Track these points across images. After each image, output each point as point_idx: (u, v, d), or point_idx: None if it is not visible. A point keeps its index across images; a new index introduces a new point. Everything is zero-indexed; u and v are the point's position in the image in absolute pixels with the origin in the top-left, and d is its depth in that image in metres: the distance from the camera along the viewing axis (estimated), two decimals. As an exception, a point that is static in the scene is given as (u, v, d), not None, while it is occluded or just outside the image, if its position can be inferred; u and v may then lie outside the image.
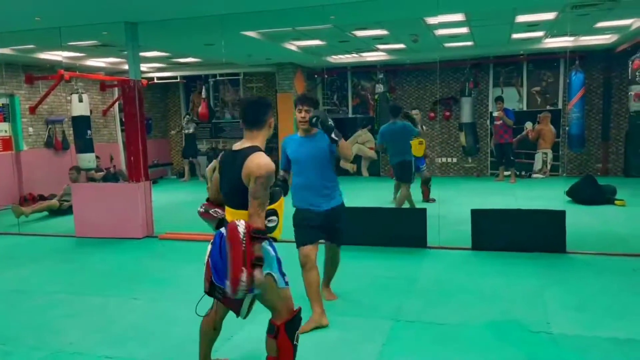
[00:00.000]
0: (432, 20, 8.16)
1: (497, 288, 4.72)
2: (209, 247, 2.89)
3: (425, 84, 13.76)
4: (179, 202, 10.49)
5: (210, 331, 3.12)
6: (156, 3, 6.27)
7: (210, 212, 3.13)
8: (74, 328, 4.15)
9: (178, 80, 14.35)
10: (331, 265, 4.44)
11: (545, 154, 12.68)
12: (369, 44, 10.48)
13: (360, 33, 9.18)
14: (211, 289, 2.89)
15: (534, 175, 12.72)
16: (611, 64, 12.26)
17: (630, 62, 9.14)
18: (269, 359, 2.97)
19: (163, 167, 15.54)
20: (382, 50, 11.61)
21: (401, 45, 10.80)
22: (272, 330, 2.93)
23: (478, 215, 6.03)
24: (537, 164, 12.80)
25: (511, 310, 4.17)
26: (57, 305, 4.68)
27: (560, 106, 12.77)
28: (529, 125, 12.88)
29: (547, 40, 10.98)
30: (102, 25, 7.37)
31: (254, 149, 2.82)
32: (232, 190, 2.85)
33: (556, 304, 4.27)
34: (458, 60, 12.91)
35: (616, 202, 8.61)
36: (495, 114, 11.78)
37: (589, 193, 8.78)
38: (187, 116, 14.84)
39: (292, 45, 10.15)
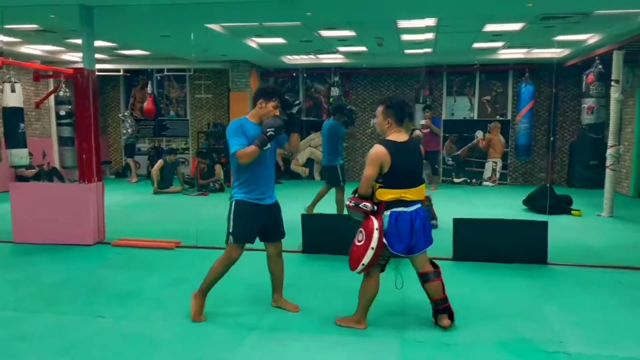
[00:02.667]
0: (403, 24, 8.01)
1: (494, 303, 4.56)
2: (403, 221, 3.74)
3: (380, 89, 13.69)
4: (129, 204, 9.72)
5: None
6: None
7: (361, 205, 3.75)
8: (28, 354, 3.54)
9: (122, 73, 13.41)
10: (282, 266, 4.28)
11: (495, 162, 12.96)
12: (330, 45, 10.21)
13: (326, 33, 8.90)
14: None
15: (484, 183, 12.96)
16: (558, 78, 12.71)
17: (585, 76, 9.44)
18: (439, 299, 3.97)
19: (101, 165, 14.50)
20: (342, 53, 11.40)
21: (362, 48, 10.62)
22: (434, 275, 4.01)
23: (460, 225, 5.88)
24: (487, 172, 13.06)
25: (518, 329, 3.99)
26: (3, 326, 4.02)
27: (509, 116, 13.07)
28: (479, 134, 13.12)
29: (502, 51, 11.19)
30: (51, 7, 6.64)
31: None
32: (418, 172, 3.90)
33: (559, 321, 4.14)
34: (414, 67, 12.93)
35: (573, 212, 8.81)
36: (422, 122, 11.97)
37: (545, 202, 8.93)
38: (126, 112, 13.91)
39: (253, 42, 9.70)
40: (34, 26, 8.07)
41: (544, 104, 12.89)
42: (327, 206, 7.58)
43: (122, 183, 13.24)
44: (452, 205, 9.59)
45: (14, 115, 10.21)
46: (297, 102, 4.01)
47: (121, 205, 9.45)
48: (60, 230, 6.51)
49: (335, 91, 13.27)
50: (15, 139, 10.13)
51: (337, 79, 13.23)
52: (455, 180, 13.23)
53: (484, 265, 5.63)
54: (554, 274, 5.46)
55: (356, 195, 3.83)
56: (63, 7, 6.53)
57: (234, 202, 3.96)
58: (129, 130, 13.38)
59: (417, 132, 8.33)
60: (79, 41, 9.88)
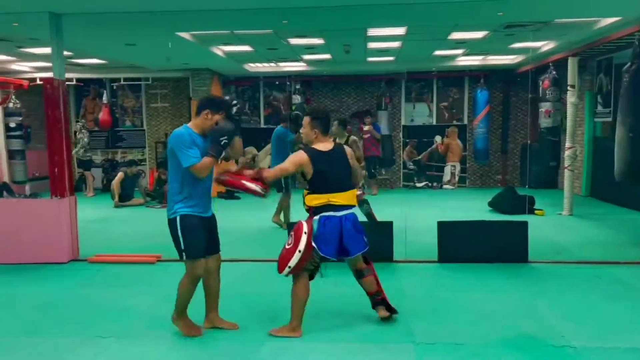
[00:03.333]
0: (373, 32, 8.15)
1: (488, 302, 4.69)
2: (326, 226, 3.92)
3: (341, 96, 13.83)
4: (93, 219, 9.32)
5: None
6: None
7: (249, 185, 4.02)
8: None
9: (74, 82, 12.88)
10: (219, 282, 4.14)
11: (454, 166, 13.36)
12: (296, 53, 10.23)
13: (295, 41, 8.91)
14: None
15: (445, 186, 13.32)
16: (510, 83, 13.27)
17: (541, 82, 9.87)
18: (374, 292, 4.21)
19: (44, 180, 13.83)
20: (304, 61, 11.44)
21: (327, 56, 10.70)
22: (367, 271, 4.24)
23: (444, 227, 6.02)
24: (447, 176, 13.44)
25: (518, 326, 4.13)
26: (-3, 353, 3.78)
27: (465, 121, 13.51)
28: (438, 138, 13.49)
29: (460, 58, 11.56)
30: (17, 15, 6.32)
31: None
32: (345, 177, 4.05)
33: (554, 316, 4.32)
34: (374, 74, 13.17)
35: (536, 211, 9.20)
36: (365, 128, 12.26)
37: (510, 203, 9.30)
38: (79, 123, 13.35)
39: (219, 50, 9.58)
40: (-12, 34, 7.64)
41: (497, 108, 13.40)
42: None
43: (78, 197, 12.67)
44: (419, 210, 9.82)
45: (-38, 129, 9.68)
46: (234, 102, 4.06)
47: (85, 221, 9.02)
48: (31, 249, 6.18)
49: (297, 99, 13.29)
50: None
51: (298, 86, 13.26)
52: (417, 184, 13.53)
53: (469, 266, 5.79)
54: (536, 272, 5.69)
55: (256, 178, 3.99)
56: (27, 15, 6.22)
57: (179, 217, 3.75)
58: (85, 141, 12.85)
59: (353, 137, 8.46)
60: (33, 50, 9.56)
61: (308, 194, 3.98)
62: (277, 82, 13.51)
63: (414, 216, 8.50)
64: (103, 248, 6.82)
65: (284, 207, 8.06)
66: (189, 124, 3.83)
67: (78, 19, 6.47)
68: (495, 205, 9.48)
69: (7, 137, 11.15)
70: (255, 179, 3.99)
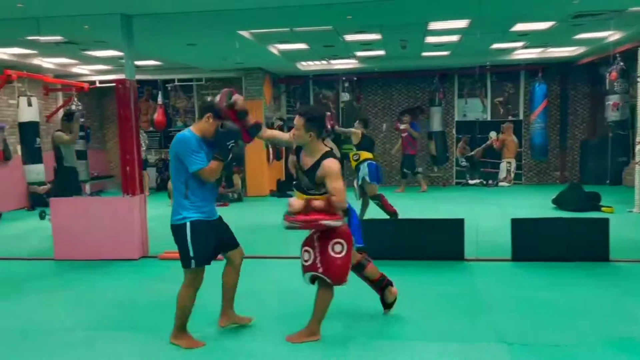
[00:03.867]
0: (434, 26, 7.99)
1: (575, 302, 4.50)
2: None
3: (391, 93, 13.67)
4: (153, 217, 9.46)
5: None
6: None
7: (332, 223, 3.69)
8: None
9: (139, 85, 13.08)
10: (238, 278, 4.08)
11: (509, 162, 12.98)
12: (350, 50, 10.16)
13: (351, 37, 8.84)
14: None
15: (500, 184, 12.97)
16: (568, 76, 12.82)
17: (608, 74, 9.49)
18: (379, 278, 4.20)
19: (103, 179, 14.22)
20: (357, 57, 11.35)
21: (380, 52, 10.59)
22: (365, 260, 4.12)
23: (518, 225, 5.84)
24: (502, 173, 13.07)
25: (614, 326, 3.93)
26: (92, 345, 3.84)
27: (521, 116, 13.14)
28: (493, 134, 13.15)
29: (517, 52, 11.23)
30: (85, 17, 6.47)
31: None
32: None
33: (650, 316, 4.11)
34: (424, 70, 12.96)
35: (603, 208, 8.83)
36: (402, 126, 12.04)
37: (576, 201, 8.95)
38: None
39: (275, 49, 9.60)
40: (57, 38, 7.85)
41: (554, 102, 12.98)
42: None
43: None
44: (478, 207, 9.56)
45: (30, 130, 10.03)
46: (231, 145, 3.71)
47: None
48: (104, 245, 6.32)
49: (345, 96, 13.24)
50: (32, 155, 9.93)
51: (347, 84, 13.19)
52: (470, 181, 13.23)
53: (546, 265, 5.59)
54: (619, 271, 5.45)
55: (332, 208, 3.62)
56: (98, 17, 6.35)
57: (189, 223, 3.65)
58: (145, 143, 13.09)
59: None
60: (95, 53, 9.80)
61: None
62: (323, 81, 13.49)
63: (474, 214, 8.28)
64: (168, 245, 6.91)
65: None
66: (192, 128, 3.73)
67: (145, 20, 6.58)
68: (560, 203, 9.15)
69: (70, 138, 11.49)
70: (331, 213, 3.61)
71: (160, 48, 9.06)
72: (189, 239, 3.66)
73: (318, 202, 3.60)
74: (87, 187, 12.41)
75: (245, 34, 7.92)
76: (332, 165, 3.61)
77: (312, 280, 3.78)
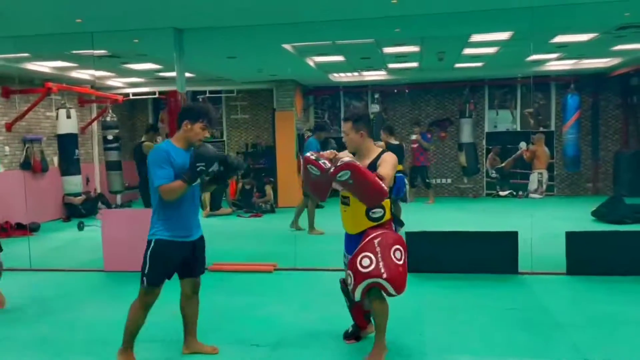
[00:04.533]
0: (475, 38, 7.99)
1: (646, 317, 4.44)
2: None
3: (420, 104, 13.67)
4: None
5: None
6: (214, 7, 5.59)
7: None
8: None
9: (156, 95, 13.17)
10: (197, 306, 3.88)
11: (541, 174, 12.85)
12: (386, 61, 10.18)
13: (389, 49, 8.86)
14: None
15: (531, 195, 12.85)
16: (600, 88, 12.73)
17: (646, 85, 9.43)
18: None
19: (134, 189, 14.31)
20: (389, 69, 11.38)
21: (414, 64, 10.60)
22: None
23: (574, 238, 5.78)
24: (532, 184, 12.94)
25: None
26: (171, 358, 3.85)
27: (553, 128, 13.06)
28: (523, 145, 13.07)
29: (550, 63, 11.19)
30: (135, 31, 6.56)
31: None
32: None
33: None
34: (454, 81, 12.95)
35: (645, 221, 8.72)
36: (412, 137, 12.00)
37: (618, 213, 8.86)
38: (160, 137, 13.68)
39: (311, 61, 9.65)
40: (102, 51, 7.96)
41: (586, 114, 12.88)
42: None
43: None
44: (512, 219, 9.47)
45: (69, 142, 10.20)
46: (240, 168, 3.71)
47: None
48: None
49: (375, 108, 13.27)
50: (71, 166, 10.08)
51: (377, 95, 13.23)
52: (501, 193, 13.14)
53: (604, 279, 5.51)
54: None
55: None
56: (149, 31, 6.44)
57: (153, 242, 3.48)
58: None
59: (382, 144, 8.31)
60: (134, 66, 9.92)
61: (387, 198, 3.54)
62: (353, 92, 13.53)
63: (514, 227, 8.22)
64: (216, 256, 6.93)
65: (310, 211, 8.50)
66: (172, 139, 3.52)
67: (191, 34, 6.65)
68: (600, 215, 9.05)
69: (105, 149, 11.65)
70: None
71: (199, 61, 9.13)
72: (148, 257, 3.49)
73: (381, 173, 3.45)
74: (118, 198, 12.53)
75: (287, 46, 7.97)
76: (391, 156, 3.62)
77: (363, 291, 3.51)
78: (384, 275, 3.41)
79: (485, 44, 8.43)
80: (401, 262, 3.49)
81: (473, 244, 5.99)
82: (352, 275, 3.52)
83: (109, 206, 11.60)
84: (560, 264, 5.88)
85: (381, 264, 3.43)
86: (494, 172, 13.29)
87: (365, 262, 3.47)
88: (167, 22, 6.14)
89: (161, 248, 3.47)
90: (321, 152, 3.63)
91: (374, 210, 3.54)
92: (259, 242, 8.23)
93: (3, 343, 4.24)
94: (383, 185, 3.36)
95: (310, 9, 5.79)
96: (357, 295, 3.53)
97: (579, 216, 9.51)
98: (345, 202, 3.68)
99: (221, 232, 9.31)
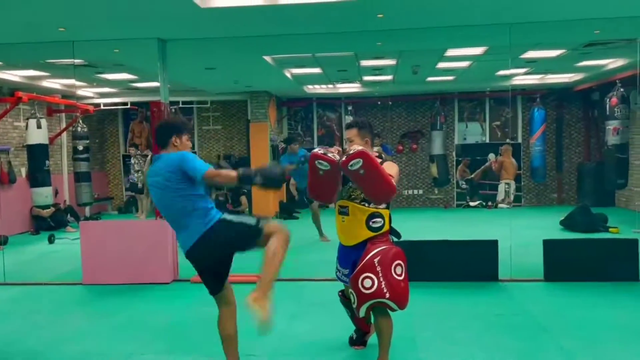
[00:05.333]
0: (451, 52, 8.23)
1: (628, 320, 4.63)
2: None
3: (392, 116, 13.91)
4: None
5: None
6: (199, 18, 5.60)
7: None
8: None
9: (129, 106, 12.98)
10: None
11: (508, 184, 13.25)
12: (362, 74, 10.35)
13: (367, 62, 9.02)
14: None
15: (500, 205, 13.22)
16: (564, 102, 13.26)
17: (608, 100, 9.86)
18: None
19: (103, 201, 14.04)
20: (363, 82, 11.57)
21: (389, 77, 10.81)
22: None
23: (550, 245, 5.99)
24: (500, 195, 13.32)
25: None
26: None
27: (520, 140, 13.50)
28: (491, 156, 13.45)
29: (517, 77, 11.59)
30: (118, 41, 6.50)
31: None
32: None
33: None
34: (424, 94, 13.26)
35: (610, 229, 9.09)
36: (374, 148, 12.16)
37: (585, 222, 9.21)
38: (133, 149, 13.45)
39: (289, 73, 9.73)
40: (79, 60, 7.82)
41: (550, 127, 13.37)
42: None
43: (131, 219, 12.80)
44: (486, 228, 9.73)
45: (39, 152, 9.92)
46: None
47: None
48: (135, 269, 6.24)
49: (349, 119, 13.40)
50: (41, 177, 9.80)
51: (350, 107, 13.40)
52: (471, 203, 13.46)
53: (581, 285, 5.72)
54: (653, 290, 5.61)
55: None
56: (132, 42, 6.39)
57: (215, 221, 3.30)
58: (141, 167, 12.90)
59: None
60: (108, 76, 9.78)
61: (385, 208, 3.57)
62: (326, 104, 13.69)
63: (484, 235, 8.44)
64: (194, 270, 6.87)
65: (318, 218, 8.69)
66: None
67: (172, 45, 6.62)
68: (569, 224, 9.38)
69: (74, 159, 11.38)
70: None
71: (177, 71, 9.07)
72: (235, 220, 3.38)
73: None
74: (87, 210, 12.24)
75: (267, 58, 8.02)
76: (394, 165, 3.72)
77: (367, 310, 3.53)
78: (387, 295, 3.42)
79: (459, 58, 8.69)
80: (402, 278, 3.49)
81: (454, 252, 6.13)
82: (354, 295, 3.53)
83: (77, 218, 11.32)
84: (538, 270, 6.08)
85: (383, 283, 3.42)
86: (464, 183, 13.62)
87: (367, 283, 3.45)
88: (151, 33, 6.10)
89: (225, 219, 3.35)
90: (328, 148, 3.63)
91: (374, 220, 3.52)
92: (239, 254, 8.15)
93: (-12, 359, 4.11)
94: (393, 181, 3.37)
95: (294, 22, 5.87)
96: (362, 313, 3.55)
97: (548, 225, 9.84)
98: (343, 211, 3.63)
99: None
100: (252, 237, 3.31)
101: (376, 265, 3.44)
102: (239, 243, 3.38)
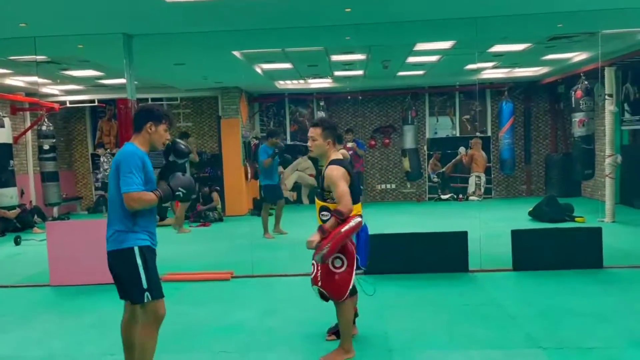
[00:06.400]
0: (420, 46, 8.30)
1: (591, 306, 4.75)
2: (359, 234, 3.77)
3: (364, 111, 13.96)
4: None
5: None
6: (165, 13, 5.53)
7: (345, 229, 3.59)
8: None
9: (96, 104, 12.67)
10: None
11: (479, 177, 13.48)
12: (332, 69, 10.35)
13: (337, 57, 9.03)
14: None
15: (470, 198, 13.42)
16: (531, 95, 13.52)
17: (573, 92, 10.08)
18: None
19: (71, 201, 13.75)
20: (335, 77, 11.58)
21: (359, 72, 10.85)
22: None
23: (518, 235, 6.11)
24: (471, 187, 13.54)
25: (636, 328, 4.19)
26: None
27: (489, 133, 13.70)
28: (462, 150, 13.64)
29: (486, 71, 11.75)
30: (81, 37, 6.37)
31: None
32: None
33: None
34: (395, 89, 13.35)
35: (576, 219, 9.32)
36: (348, 144, 12.28)
37: (552, 212, 9.42)
38: (101, 148, 13.19)
39: (259, 68, 9.67)
40: (41, 57, 7.63)
41: (518, 119, 13.62)
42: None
43: (102, 218, 12.57)
44: (456, 221, 9.87)
45: (3, 152, 9.68)
46: (188, 152, 3.55)
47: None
48: (104, 269, 6.07)
49: (321, 115, 13.42)
50: (5, 178, 9.56)
51: (322, 103, 13.41)
52: (442, 196, 13.63)
53: (547, 273, 5.86)
54: (616, 277, 5.76)
55: (339, 216, 3.59)
56: (96, 37, 6.26)
57: (137, 249, 3.18)
58: (105, 167, 12.65)
59: (344, 152, 8.54)
60: (73, 73, 9.57)
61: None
62: (298, 99, 13.66)
63: (458, 227, 8.57)
64: (168, 267, 6.79)
65: (263, 217, 8.90)
66: (136, 143, 3.28)
67: (138, 40, 6.51)
68: (536, 215, 9.58)
69: (40, 159, 11.13)
70: (343, 220, 3.61)
71: (145, 67, 8.92)
72: (141, 267, 3.17)
73: (328, 224, 3.61)
74: (55, 210, 11.99)
75: (236, 53, 7.96)
76: (331, 172, 3.67)
77: (322, 295, 3.73)
78: (319, 283, 3.64)
79: (428, 52, 8.77)
80: (339, 270, 3.61)
81: (424, 244, 6.20)
82: None
83: (44, 219, 11.06)
84: (506, 260, 6.21)
85: (319, 272, 3.64)
86: (435, 176, 13.77)
87: (311, 269, 3.74)
88: (117, 28, 5.99)
89: (149, 254, 3.23)
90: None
91: (322, 213, 3.76)
92: (212, 251, 8.12)
93: (-49, 365, 3.99)
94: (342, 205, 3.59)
95: (263, 16, 5.84)
96: (315, 294, 3.77)
97: (517, 216, 10.03)
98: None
99: (171, 242, 9.11)
100: (137, 295, 3.24)
101: None
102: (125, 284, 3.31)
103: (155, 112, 3.34)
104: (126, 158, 3.17)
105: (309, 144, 3.87)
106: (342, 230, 3.56)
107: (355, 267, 3.68)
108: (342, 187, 3.61)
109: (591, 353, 3.76)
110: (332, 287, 3.61)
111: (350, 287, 3.64)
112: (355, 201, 3.70)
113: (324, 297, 3.74)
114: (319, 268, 3.63)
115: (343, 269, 3.61)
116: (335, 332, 4.07)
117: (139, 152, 3.23)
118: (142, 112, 3.37)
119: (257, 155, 8.88)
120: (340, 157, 3.86)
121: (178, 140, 9.18)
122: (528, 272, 5.97)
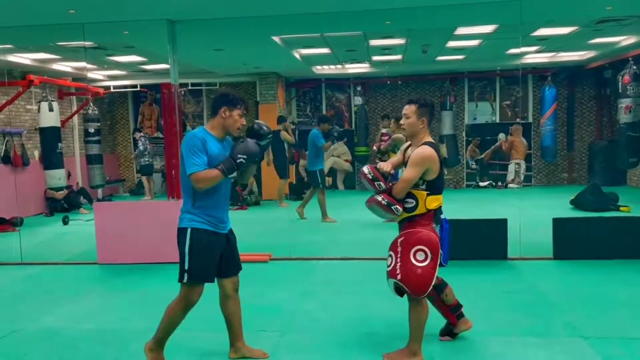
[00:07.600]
0: (461, 31, 8.15)
1: (638, 296, 4.66)
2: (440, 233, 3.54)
3: (402, 96, 13.82)
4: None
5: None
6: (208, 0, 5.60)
7: (393, 207, 3.42)
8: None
9: (138, 89, 13.00)
10: (240, 306, 3.71)
11: (518, 164, 13.23)
12: (371, 54, 10.29)
13: (376, 42, 8.97)
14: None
15: (510, 185, 13.20)
16: (575, 80, 13.11)
17: (620, 77, 9.76)
18: (456, 303, 3.85)
19: (115, 183, 14.17)
20: (372, 62, 11.51)
21: (398, 57, 10.75)
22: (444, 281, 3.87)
23: (560, 224, 6.01)
24: (510, 175, 13.31)
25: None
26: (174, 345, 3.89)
27: (530, 119, 13.40)
28: (502, 136, 13.40)
29: (528, 56, 11.47)
30: (127, 23, 6.52)
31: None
32: None
33: None
34: (434, 74, 13.17)
35: (621, 208, 9.06)
36: (383, 130, 12.07)
37: (595, 200, 9.18)
38: (138, 132, 13.46)
39: (297, 53, 9.70)
40: (89, 43, 7.86)
41: (562, 106, 13.25)
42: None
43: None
44: (496, 208, 9.75)
45: (51, 135, 10.05)
46: (270, 134, 3.61)
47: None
48: (149, 249, 6.35)
49: (358, 100, 13.40)
50: (54, 160, 9.93)
51: (359, 88, 13.35)
52: (481, 183, 13.45)
53: (591, 263, 5.75)
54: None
55: (390, 195, 3.43)
56: (142, 23, 6.40)
57: (189, 230, 3.27)
58: (140, 149, 12.82)
59: (399, 135, 8.39)
60: (118, 59, 9.82)
61: (428, 195, 3.43)
62: (335, 84, 13.64)
63: (495, 215, 8.46)
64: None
65: (320, 202, 8.80)
66: (207, 126, 3.38)
67: (181, 26, 6.62)
68: (579, 203, 9.36)
69: (86, 142, 11.50)
70: (388, 194, 3.45)
71: (185, 53, 9.07)
72: (187, 249, 3.28)
73: (393, 190, 3.42)
74: (99, 192, 12.38)
75: (276, 39, 8.00)
76: (423, 151, 3.39)
77: (397, 290, 3.47)
78: (398, 277, 3.36)
79: (469, 36, 8.62)
80: (422, 264, 3.34)
81: (464, 231, 6.11)
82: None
83: (90, 200, 11.47)
84: (547, 249, 6.11)
85: (398, 265, 3.38)
86: (473, 163, 13.59)
87: (388, 260, 3.47)
88: (161, 14, 6.11)
89: (199, 238, 3.28)
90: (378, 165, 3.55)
91: (406, 200, 3.45)
92: (250, 234, 8.24)
93: (12, 336, 4.22)
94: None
95: (303, 1, 5.85)
96: (390, 287, 3.52)
97: (558, 204, 9.81)
98: None
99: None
100: (179, 273, 3.37)
101: (398, 245, 3.44)
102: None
103: (230, 97, 3.36)
104: (186, 141, 3.27)
105: (401, 121, 3.62)
106: (381, 198, 3.40)
107: (438, 263, 3.41)
108: (413, 174, 3.36)
109: (636, 343, 3.69)
110: (414, 282, 3.32)
111: (434, 285, 3.39)
112: (439, 191, 3.50)
113: (399, 292, 3.48)
114: (399, 260, 3.37)
115: (426, 262, 3.34)
116: (448, 332, 3.88)
117: (199, 133, 3.29)
118: (218, 97, 3.42)
119: (310, 140, 8.85)
120: (432, 140, 3.53)
121: (258, 121, 9.35)
122: (569, 261, 5.88)
